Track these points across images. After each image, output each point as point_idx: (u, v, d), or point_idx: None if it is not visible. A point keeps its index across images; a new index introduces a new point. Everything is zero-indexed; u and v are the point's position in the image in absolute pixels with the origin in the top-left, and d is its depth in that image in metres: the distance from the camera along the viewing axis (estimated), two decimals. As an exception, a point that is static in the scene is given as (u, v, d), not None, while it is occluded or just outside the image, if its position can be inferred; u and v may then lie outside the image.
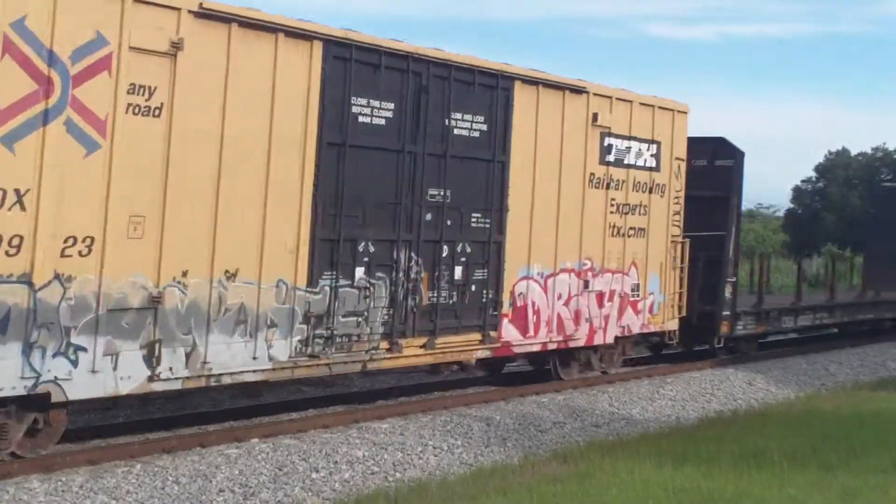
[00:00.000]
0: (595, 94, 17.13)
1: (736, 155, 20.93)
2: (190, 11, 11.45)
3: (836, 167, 71.57)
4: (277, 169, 12.44)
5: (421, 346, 14.28)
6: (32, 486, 10.16)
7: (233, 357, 12.02)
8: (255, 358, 12.24)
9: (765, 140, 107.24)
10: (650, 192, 18.50)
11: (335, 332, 13.10)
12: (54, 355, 10.43)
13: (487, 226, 15.22)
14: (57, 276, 10.42)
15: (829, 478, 11.55)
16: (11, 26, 10.05)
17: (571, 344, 16.96)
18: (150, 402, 13.97)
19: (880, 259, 30.49)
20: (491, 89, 15.24)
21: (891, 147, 71.33)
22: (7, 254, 10.06)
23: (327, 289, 13.05)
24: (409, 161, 14.07)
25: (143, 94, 11.07)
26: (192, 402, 14.48)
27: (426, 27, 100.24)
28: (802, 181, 73.56)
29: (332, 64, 13.05)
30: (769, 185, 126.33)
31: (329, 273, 13.06)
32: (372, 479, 11.64)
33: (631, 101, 17.94)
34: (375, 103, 13.60)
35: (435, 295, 14.45)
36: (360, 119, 13.43)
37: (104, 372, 10.83)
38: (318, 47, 12.87)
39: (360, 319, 13.46)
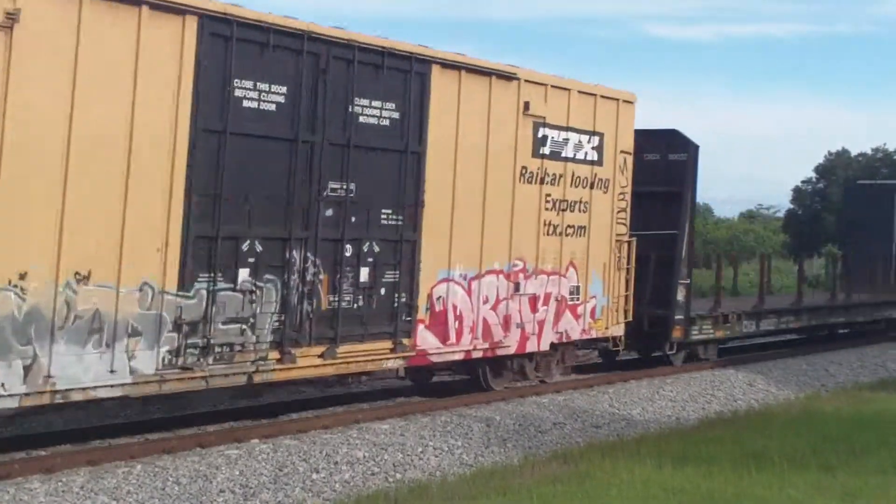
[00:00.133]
0: (527, 81, 15.78)
1: (689, 148, 19.59)
2: (29, -22, 10.10)
3: (837, 168, 70.50)
4: (141, 159, 11.08)
5: (319, 356, 12.91)
6: (33, 486, 10.10)
7: (85, 370, 10.65)
8: (112, 371, 10.87)
9: (765, 140, 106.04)
10: (592, 187, 17.14)
11: (213, 342, 11.74)
12: None
13: (399, 223, 13.87)
14: None
15: (829, 479, 11.49)
16: None
17: (500, 352, 15.61)
18: (151, 403, 13.64)
19: (857, 260, 29.18)
20: (404, 73, 13.89)
21: (891, 147, 70.73)
22: None
23: (203, 293, 11.69)
24: (305, 151, 12.71)
25: (-31, 73, 9.76)
26: (192, 403, 14.19)
27: (426, 27, 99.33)
28: (802, 182, 72.48)
29: (210, 42, 11.69)
30: (769, 185, 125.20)
31: (206, 275, 11.71)
32: (372, 480, 11.63)
33: (569, 90, 16.58)
34: (264, 86, 12.26)
35: (336, 299, 13.10)
36: (246, 104, 12.09)
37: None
38: (191, 23, 11.51)
39: (244, 327, 12.10)
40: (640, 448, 12.95)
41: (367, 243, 13.47)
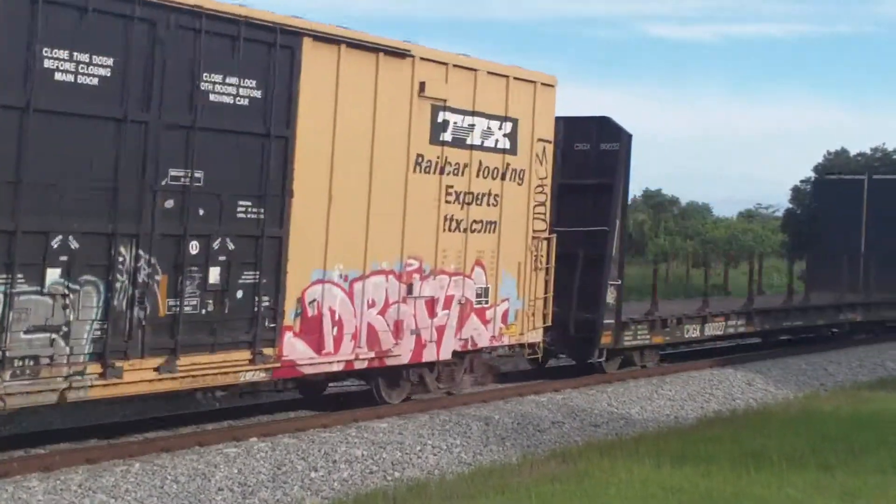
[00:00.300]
0: (423, 59, 14.07)
1: (622, 137, 17.92)
2: None
3: (835, 167, 68.89)
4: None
5: (154, 370, 11.20)
6: (31, 484, 10.03)
7: None
8: None
9: (764, 140, 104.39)
10: (503, 178, 15.42)
11: (10, 354, 10.03)
12: None
13: (261, 216, 12.15)
14: None
15: (828, 478, 11.44)
16: None
17: (390, 361, 13.90)
18: (149, 402, 13.48)
19: (824, 259, 27.29)
20: (268, 47, 12.18)
21: (889, 147, 69.44)
22: None
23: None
24: (137, 133, 11.00)
25: None
26: (190, 402, 13.70)
27: (426, 27, 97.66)
28: (801, 181, 70.86)
29: (7, 3, 10.00)
30: (768, 185, 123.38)
31: (2, 276, 10.00)
32: (371, 479, 11.58)
33: (475, 70, 14.84)
34: (83, 57, 10.55)
35: (177, 304, 11.39)
36: (58, 77, 10.38)
37: None
38: (-20, -21, 9.83)
39: (53, 336, 10.38)
40: (638, 447, 12.88)
41: (219, 239, 11.75)
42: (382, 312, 13.69)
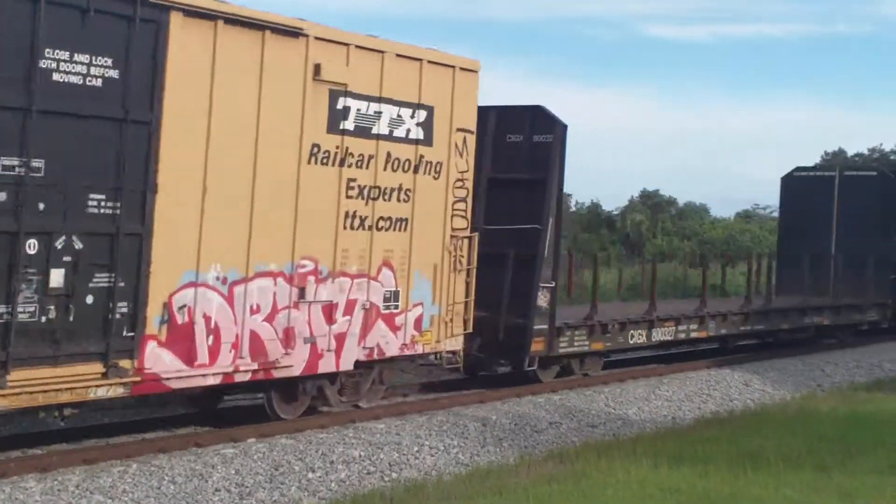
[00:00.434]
0: (319, 39, 12.69)
1: (555, 128, 16.46)
2: None
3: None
4: None
5: (-23, 386, 9.85)
6: (28, 485, 9.98)
7: None
8: None
9: (763, 140, 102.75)
10: (416, 171, 14.07)
11: None
12: None
13: (117, 211, 10.78)
14: None
15: (825, 478, 11.46)
16: None
17: (279, 373, 12.53)
18: (146, 403, 13.46)
19: (793, 259, 25.44)
20: (126, 21, 10.80)
21: (887, 148, 69.14)
22: None
23: None
24: (-42, 116, 9.67)
25: None
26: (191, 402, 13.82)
27: (425, 27, 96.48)
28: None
29: None
30: (766, 185, 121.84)
31: None
32: (368, 479, 11.54)
33: (381, 52, 13.47)
34: None
35: (8, 310, 10.01)
36: None
37: None
38: None
39: None
40: (636, 447, 12.87)
41: (63, 238, 10.38)
42: (269, 319, 12.32)
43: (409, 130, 13.88)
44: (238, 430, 12.56)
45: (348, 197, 13.14)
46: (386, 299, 13.73)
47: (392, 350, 13.92)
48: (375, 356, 13.71)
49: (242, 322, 12.00)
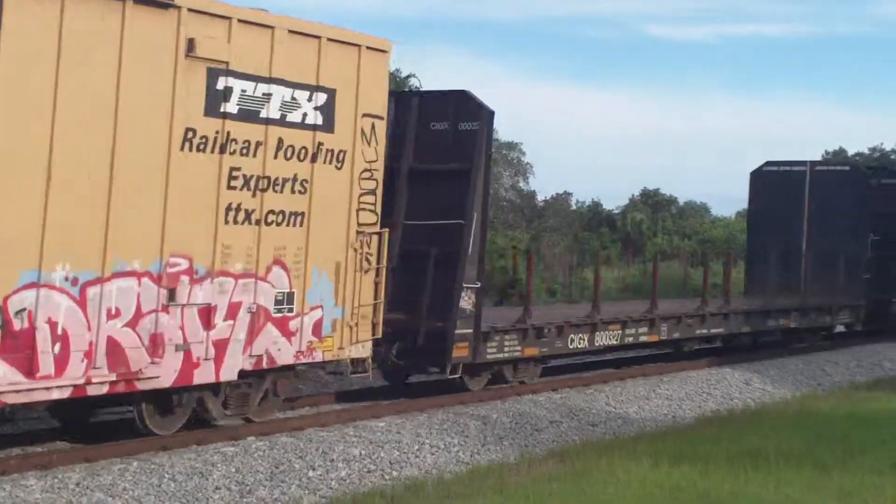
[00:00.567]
0: (193, 11, 11.33)
1: (481, 115, 15.08)
2: None
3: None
4: None
5: None
6: (29, 483, 9.95)
7: None
8: None
9: (763, 139, 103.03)
10: (314, 160, 12.72)
11: None
12: None
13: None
14: None
15: (825, 478, 11.47)
16: None
17: (144, 385, 11.15)
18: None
19: (762, 258, 24.28)
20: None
21: (888, 147, 69.42)
22: None
23: None
24: None
25: None
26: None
27: (424, 27, 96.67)
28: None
29: None
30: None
31: None
32: (368, 478, 11.52)
33: (271, 28, 12.14)
34: None
35: None
36: None
37: None
38: None
39: None
40: (636, 446, 12.85)
41: None
42: (132, 324, 10.95)
43: (305, 115, 12.56)
44: (238, 429, 12.46)
45: (231, 188, 11.76)
46: (278, 302, 12.37)
47: (285, 358, 12.53)
48: (265, 365, 12.35)
49: (98, 328, 10.63)
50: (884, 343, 25.40)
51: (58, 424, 12.13)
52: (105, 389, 10.86)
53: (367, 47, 13.27)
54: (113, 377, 10.84)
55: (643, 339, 19.03)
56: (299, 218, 12.59)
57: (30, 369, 10.19)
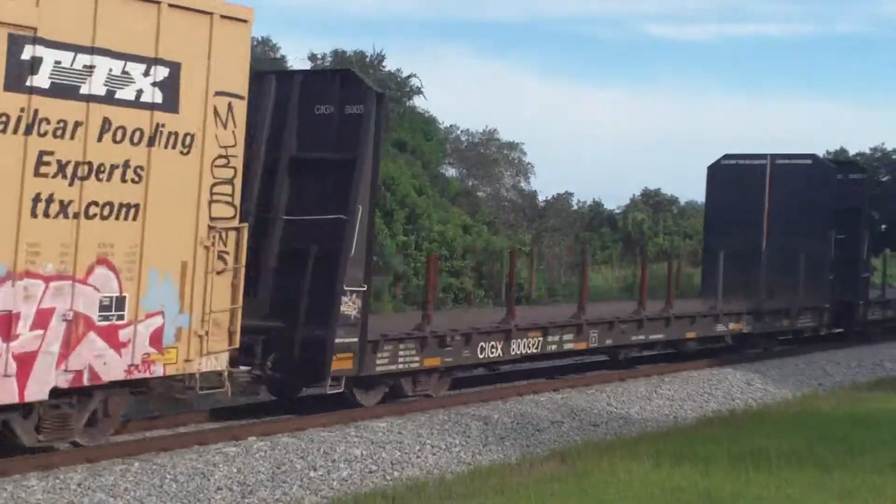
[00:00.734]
0: None
1: (367, 98, 13.54)
2: None
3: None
4: None
5: None
6: (30, 483, 9.96)
7: None
8: None
9: (764, 139, 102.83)
10: (151, 144, 11.16)
11: None
12: None
13: None
14: None
15: (826, 478, 11.48)
16: None
17: None
18: (148, 402, 13.37)
19: (717, 257, 22.12)
20: None
21: (889, 147, 69.24)
22: None
23: None
24: None
25: None
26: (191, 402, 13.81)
27: (424, 26, 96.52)
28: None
29: None
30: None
31: None
32: (370, 478, 11.53)
33: None
34: None
35: None
36: None
37: None
38: None
39: None
40: (637, 447, 12.91)
41: None
42: None
43: (140, 92, 11.01)
44: (240, 429, 12.50)
45: (41, 175, 10.18)
46: (104, 308, 10.75)
47: (114, 373, 10.87)
48: (87, 381, 10.69)
49: None
50: (885, 343, 25.40)
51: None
52: None
53: (222, 16, 11.67)
54: None
55: (568, 346, 17.21)
56: (132, 211, 11.00)
57: None
